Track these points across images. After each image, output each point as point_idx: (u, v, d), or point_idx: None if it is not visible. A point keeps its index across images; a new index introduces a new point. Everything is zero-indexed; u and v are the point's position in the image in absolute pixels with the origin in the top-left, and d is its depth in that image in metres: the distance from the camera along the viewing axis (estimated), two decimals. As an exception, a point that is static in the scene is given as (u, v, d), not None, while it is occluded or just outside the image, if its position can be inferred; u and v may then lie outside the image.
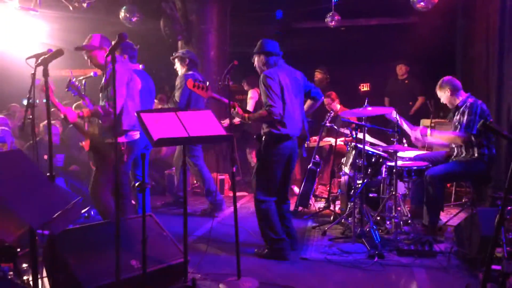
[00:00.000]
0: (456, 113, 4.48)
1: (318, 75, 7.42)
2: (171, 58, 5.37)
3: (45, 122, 5.28)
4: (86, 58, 3.90)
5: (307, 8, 7.97)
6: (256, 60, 3.97)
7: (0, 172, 1.95)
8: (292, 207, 5.20)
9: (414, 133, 4.48)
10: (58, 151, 5.60)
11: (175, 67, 5.39)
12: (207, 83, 3.76)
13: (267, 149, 3.84)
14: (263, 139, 3.87)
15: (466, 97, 4.43)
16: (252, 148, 7.05)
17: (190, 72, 5.20)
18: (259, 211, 3.91)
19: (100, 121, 3.86)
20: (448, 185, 5.60)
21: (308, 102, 4.16)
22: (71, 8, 6.25)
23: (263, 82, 3.75)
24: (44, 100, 2.77)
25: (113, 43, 2.68)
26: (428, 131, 4.42)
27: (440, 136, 4.52)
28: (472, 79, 5.98)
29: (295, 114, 3.86)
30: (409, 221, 4.38)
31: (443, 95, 4.51)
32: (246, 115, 3.87)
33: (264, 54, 3.89)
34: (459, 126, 4.35)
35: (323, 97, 4.25)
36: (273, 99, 3.70)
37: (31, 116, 3.03)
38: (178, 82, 5.19)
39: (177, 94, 5.15)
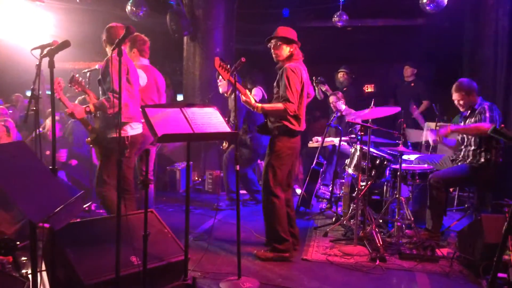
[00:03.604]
0: (470, 116, 4.40)
1: (344, 75, 7.47)
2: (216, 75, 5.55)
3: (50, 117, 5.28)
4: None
5: (313, 7, 7.91)
6: (283, 48, 3.84)
7: (1, 164, 1.92)
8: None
9: (430, 134, 4.39)
10: (61, 145, 5.59)
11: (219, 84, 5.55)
12: (228, 65, 3.67)
13: (281, 143, 3.82)
14: (275, 133, 3.83)
15: (481, 100, 4.37)
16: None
17: None
18: (270, 206, 3.83)
19: (101, 116, 3.81)
20: (451, 189, 5.56)
21: None
22: (77, 0, 6.22)
23: (287, 75, 3.70)
24: (48, 92, 2.74)
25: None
26: (448, 127, 4.29)
27: (464, 129, 4.30)
28: (479, 83, 5.93)
29: (305, 111, 3.92)
30: (412, 225, 4.34)
31: (464, 98, 4.35)
32: (260, 105, 3.78)
33: (298, 45, 3.86)
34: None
35: (313, 95, 4.24)
36: (293, 95, 3.69)
37: (34, 108, 3.00)
38: (230, 105, 5.39)
39: (233, 115, 5.20)
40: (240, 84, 3.48)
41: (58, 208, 1.93)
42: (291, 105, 3.68)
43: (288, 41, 3.84)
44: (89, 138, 3.92)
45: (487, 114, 4.20)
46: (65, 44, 2.51)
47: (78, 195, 2.20)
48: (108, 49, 3.92)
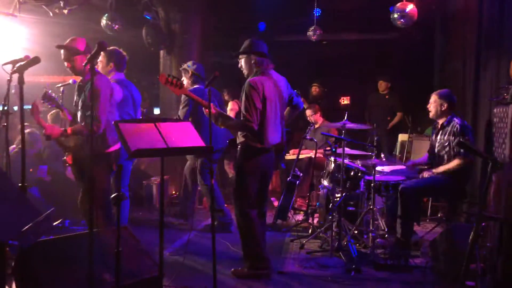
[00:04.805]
0: (440, 133, 4.46)
1: (316, 89, 7.67)
2: (180, 68, 5.15)
3: (28, 130, 5.18)
4: (63, 60, 3.70)
5: (289, 21, 8.03)
6: (245, 62, 3.75)
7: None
8: (271, 220, 5.19)
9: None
10: (40, 162, 5.50)
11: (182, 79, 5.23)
12: (181, 80, 3.57)
13: (244, 160, 3.72)
14: (238, 148, 3.75)
15: (451, 116, 4.41)
16: (230, 159, 7.00)
17: (194, 86, 4.96)
18: (244, 225, 3.74)
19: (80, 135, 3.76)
20: (425, 199, 5.66)
21: (288, 109, 4.01)
22: (51, 14, 6.17)
23: (246, 91, 3.59)
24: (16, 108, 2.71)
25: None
26: (434, 171, 4.38)
27: (446, 169, 4.32)
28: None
29: (275, 126, 3.73)
30: (386, 235, 4.41)
31: (438, 105, 4.42)
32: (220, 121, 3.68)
33: (257, 55, 3.69)
34: (451, 149, 4.34)
35: (302, 107, 4.22)
36: (251, 113, 3.56)
37: (5, 124, 2.97)
38: (182, 98, 4.88)
39: (181, 112, 4.89)
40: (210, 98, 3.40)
41: (27, 226, 1.90)
42: (250, 123, 3.57)
43: (246, 53, 3.72)
44: (65, 158, 3.85)
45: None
46: (35, 61, 2.50)
47: (47, 213, 2.18)
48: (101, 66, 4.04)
